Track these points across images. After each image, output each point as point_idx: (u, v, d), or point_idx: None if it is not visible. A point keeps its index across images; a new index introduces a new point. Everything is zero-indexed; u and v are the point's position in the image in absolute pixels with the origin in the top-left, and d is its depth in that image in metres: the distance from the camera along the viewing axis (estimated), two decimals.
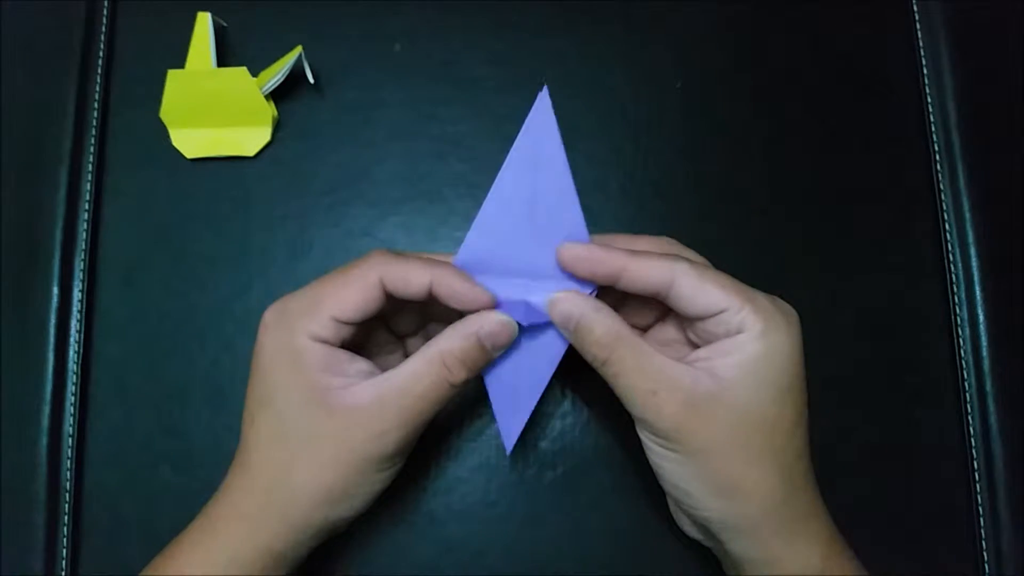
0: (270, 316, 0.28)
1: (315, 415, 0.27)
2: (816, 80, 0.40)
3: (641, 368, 0.27)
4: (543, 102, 0.29)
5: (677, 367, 0.27)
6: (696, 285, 0.27)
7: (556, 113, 0.38)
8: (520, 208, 0.30)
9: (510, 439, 0.31)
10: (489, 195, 0.30)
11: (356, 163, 0.39)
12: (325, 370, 0.28)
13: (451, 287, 0.28)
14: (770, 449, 0.27)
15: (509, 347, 0.30)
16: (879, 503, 0.30)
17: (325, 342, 0.28)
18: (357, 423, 0.27)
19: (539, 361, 0.31)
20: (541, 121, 0.29)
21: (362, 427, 0.27)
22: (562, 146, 0.29)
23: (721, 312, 0.27)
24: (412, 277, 0.28)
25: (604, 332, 0.28)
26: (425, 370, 0.28)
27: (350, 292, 0.28)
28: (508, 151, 0.37)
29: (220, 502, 0.29)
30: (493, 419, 0.35)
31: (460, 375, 0.28)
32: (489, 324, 0.28)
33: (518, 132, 0.37)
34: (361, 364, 0.29)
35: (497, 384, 0.31)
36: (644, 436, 0.29)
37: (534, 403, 0.31)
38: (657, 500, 0.33)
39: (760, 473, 0.27)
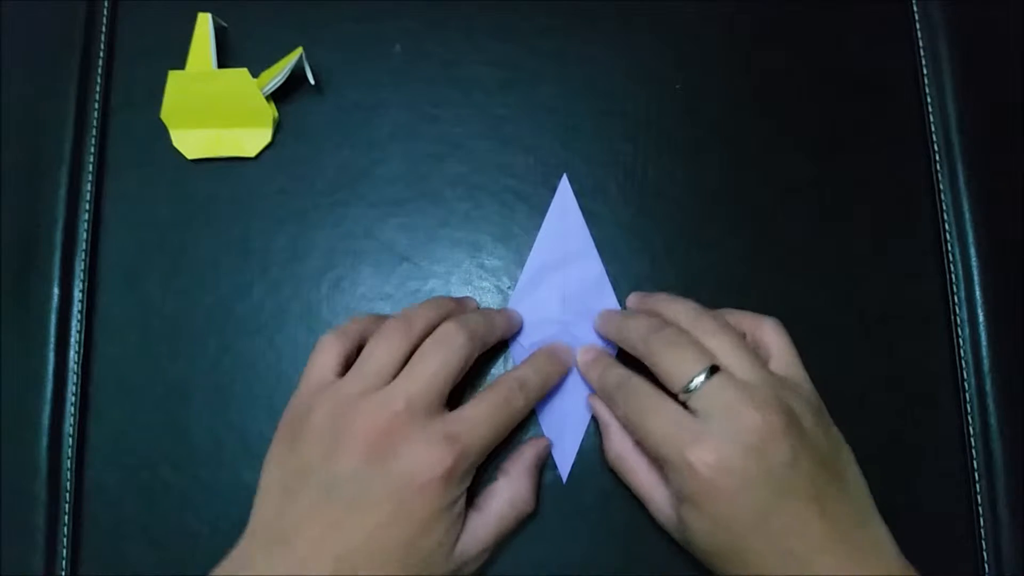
0: (441, 472, 0.29)
1: (451, 561, 0.30)
2: (816, 80, 0.40)
3: (625, 476, 0.33)
4: (564, 187, 0.38)
5: (648, 487, 0.32)
6: (638, 434, 0.31)
7: (556, 115, 0.39)
8: (553, 271, 0.37)
9: (565, 469, 0.35)
10: (528, 261, 0.37)
11: (356, 164, 0.39)
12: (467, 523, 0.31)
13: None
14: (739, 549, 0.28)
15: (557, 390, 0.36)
16: (879, 503, 0.30)
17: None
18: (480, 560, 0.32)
19: (581, 398, 0.36)
20: (564, 201, 0.38)
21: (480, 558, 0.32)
22: (583, 221, 0.37)
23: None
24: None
25: (605, 449, 0.34)
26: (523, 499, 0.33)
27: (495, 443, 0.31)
28: (508, 152, 0.37)
29: None
30: None
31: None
32: (543, 447, 0.35)
33: (518, 133, 0.38)
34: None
35: (549, 420, 0.36)
36: None
37: (582, 434, 0.36)
38: None
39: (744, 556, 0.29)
